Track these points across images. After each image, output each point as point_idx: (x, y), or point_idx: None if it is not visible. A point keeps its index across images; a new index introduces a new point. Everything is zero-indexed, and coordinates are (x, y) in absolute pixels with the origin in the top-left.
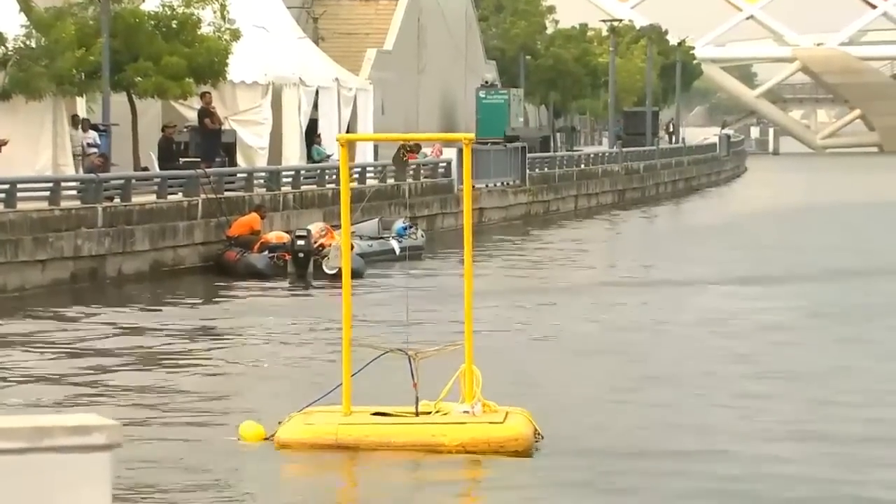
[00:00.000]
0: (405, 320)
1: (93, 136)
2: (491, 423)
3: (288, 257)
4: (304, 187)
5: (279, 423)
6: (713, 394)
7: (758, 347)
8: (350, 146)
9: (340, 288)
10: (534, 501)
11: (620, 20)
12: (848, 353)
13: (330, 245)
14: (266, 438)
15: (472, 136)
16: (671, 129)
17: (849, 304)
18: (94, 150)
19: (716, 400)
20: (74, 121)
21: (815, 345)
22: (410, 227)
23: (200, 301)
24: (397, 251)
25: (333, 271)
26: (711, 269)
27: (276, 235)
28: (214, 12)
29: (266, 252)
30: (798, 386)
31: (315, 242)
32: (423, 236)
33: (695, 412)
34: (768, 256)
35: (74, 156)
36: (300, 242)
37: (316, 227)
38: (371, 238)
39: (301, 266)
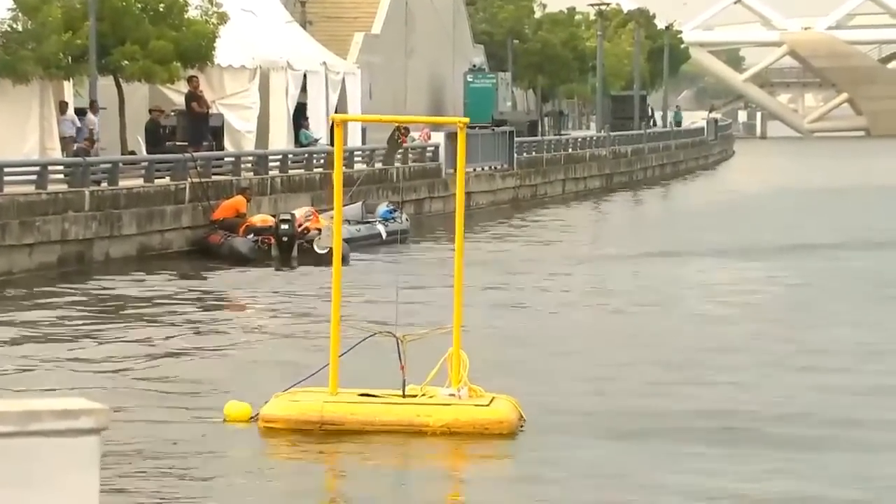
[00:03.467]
0: (394, 303)
1: (72, 117)
2: (476, 405)
3: (272, 241)
4: (291, 171)
5: (265, 402)
6: (700, 374)
7: (747, 326)
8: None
9: (327, 269)
10: (516, 485)
11: (608, 4)
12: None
13: (315, 230)
14: (252, 418)
15: (466, 119)
16: (651, 114)
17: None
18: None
19: (703, 380)
20: (93, 107)
21: (802, 321)
22: (395, 210)
23: (186, 284)
24: (384, 235)
25: (324, 251)
26: (699, 249)
27: (261, 219)
28: None
29: (251, 235)
30: (791, 365)
31: (300, 226)
32: (407, 220)
33: (681, 395)
34: (754, 236)
35: (94, 140)
36: (284, 227)
37: (301, 212)
38: (357, 222)
39: (285, 250)
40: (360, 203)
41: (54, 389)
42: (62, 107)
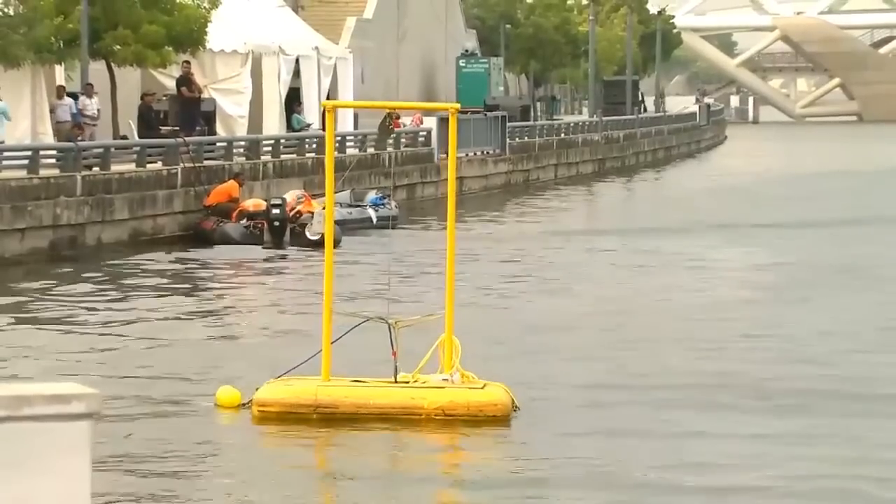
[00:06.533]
0: (386, 289)
1: (69, 102)
2: (470, 388)
3: (264, 226)
4: (283, 156)
5: (257, 388)
6: (690, 361)
7: (738, 310)
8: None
9: (319, 255)
10: (512, 468)
11: None
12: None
13: (308, 213)
14: (242, 404)
15: (458, 105)
16: (641, 99)
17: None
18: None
19: (692, 366)
20: (88, 90)
21: (790, 301)
22: (384, 197)
23: (178, 269)
24: (374, 220)
25: (316, 237)
26: (689, 234)
27: (253, 203)
28: None
29: (244, 221)
30: (779, 344)
31: (292, 210)
32: (397, 207)
33: (673, 383)
34: (743, 218)
35: (89, 124)
36: (275, 211)
37: (292, 195)
38: (350, 206)
39: (277, 235)
40: (348, 191)
41: (45, 374)
42: (59, 91)
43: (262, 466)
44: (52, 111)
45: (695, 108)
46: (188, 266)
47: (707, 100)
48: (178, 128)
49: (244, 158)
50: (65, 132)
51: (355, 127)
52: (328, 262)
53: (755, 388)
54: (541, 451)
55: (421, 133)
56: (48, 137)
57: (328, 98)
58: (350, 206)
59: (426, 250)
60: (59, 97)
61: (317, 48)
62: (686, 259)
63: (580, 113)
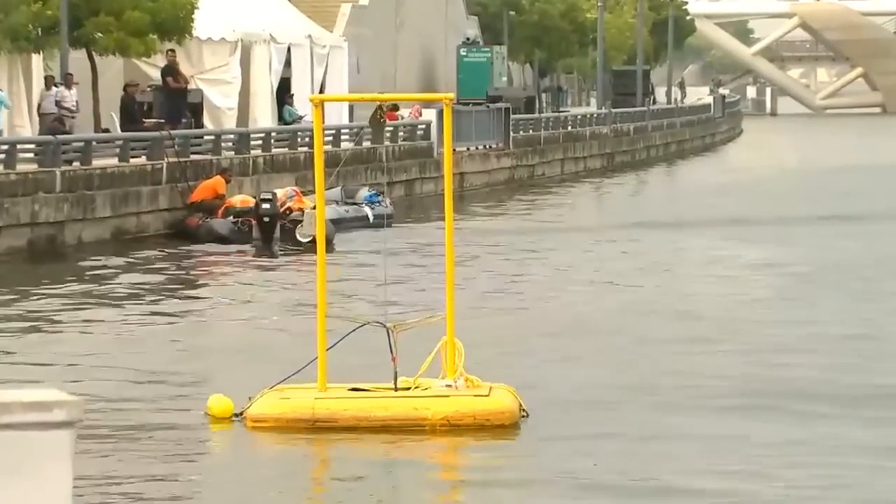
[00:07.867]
0: (383, 291)
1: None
2: (476, 395)
3: (253, 222)
4: (275, 150)
5: (250, 398)
6: (698, 365)
7: (753, 311)
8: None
9: (313, 255)
10: (521, 480)
11: None
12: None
13: (298, 210)
14: (235, 415)
15: (452, 95)
16: (651, 90)
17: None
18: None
19: (700, 369)
20: (68, 80)
21: (797, 301)
22: (378, 193)
23: (163, 269)
24: (371, 218)
25: (307, 239)
26: (699, 233)
27: (241, 199)
28: None
29: (230, 217)
30: (794, 347)
31: (282, 206)
32: (391, 204)
33: (682, 386)
34: (759, 216)
35: (69, 116)
36: (265, 206)
37: (283, 192)
38: (346, 204)
39: (267, 231)
40: (338, 188)
41: (26, 381)
42: (47, 82)
43: (257, 478)
44: (39, 103)
45: (709, 100)
46: (175, 266)
47: (722, 91)
48: (162, 120)
49: (233, 153)
50: (47, 124)
51: (350, 119)
52: (321, 266)
53: (770, 391)
54: (550, 457)
55: (420, 126)
56: (25, 130)
57: (322, 89)
58: (345, 203)
59: (425, 249)
60: (48, 88)
61: (309, 36)
62: (698, 257)
63: (588, 105)
